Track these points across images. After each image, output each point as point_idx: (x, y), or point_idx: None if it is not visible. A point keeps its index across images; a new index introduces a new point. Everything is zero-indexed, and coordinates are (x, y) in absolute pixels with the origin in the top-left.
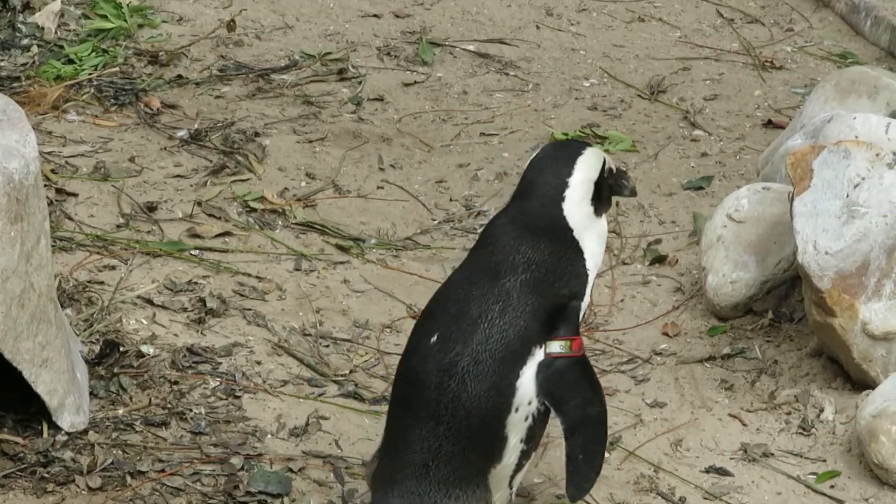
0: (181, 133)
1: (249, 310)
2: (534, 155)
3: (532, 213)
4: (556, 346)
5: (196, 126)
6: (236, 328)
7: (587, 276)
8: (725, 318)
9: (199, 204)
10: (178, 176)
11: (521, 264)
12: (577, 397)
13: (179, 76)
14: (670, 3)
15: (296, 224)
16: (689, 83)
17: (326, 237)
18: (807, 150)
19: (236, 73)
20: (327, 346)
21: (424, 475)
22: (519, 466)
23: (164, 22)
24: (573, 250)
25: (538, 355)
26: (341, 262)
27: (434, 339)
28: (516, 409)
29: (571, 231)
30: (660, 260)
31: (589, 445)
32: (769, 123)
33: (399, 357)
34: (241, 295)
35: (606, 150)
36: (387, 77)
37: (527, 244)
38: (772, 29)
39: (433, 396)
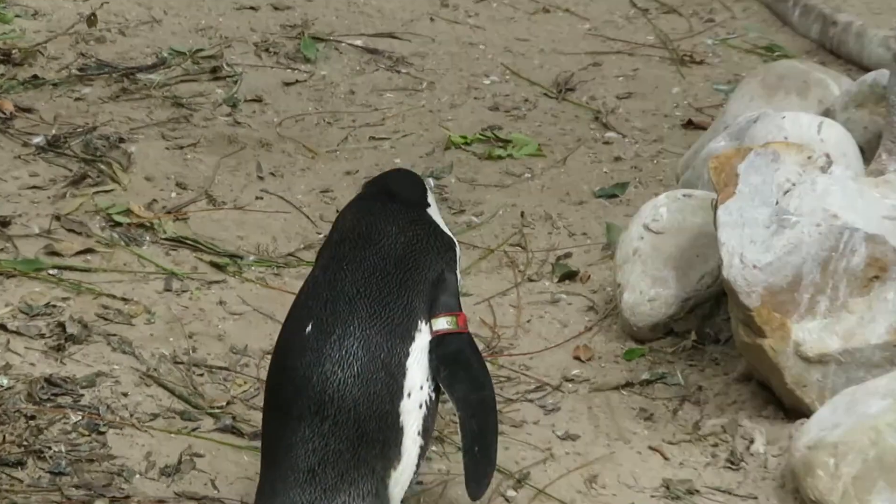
0: (37, 140)
1: (114, 335)
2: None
3: (391, 198)
4: (442, 323)
5: (54, 132)
6: (100, 356)
7: (455, 248)
8: (643, 339)
9: (58, 218)
10: (34, 187)
11: (389, 236)
12: (469, 379)
13: (35, 76)
14: None
15: (165, 239)
16: (601, 80)
17: (200, 254)
18: (731, 153)
19: (98, 73)
20: (201, 375)
21: (310, 481)
22: (416, 467)
23: (17, 16)
24: (435, 224)
25: (425, 332)
26: (216, 282)
27: (308, 328)
28: (409, 395)
29: (428, 207)
30: (570, 276)
31: (484, 434)
32: (689, 124)
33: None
34: (105, 319)
35: (510, 155)
36: (265, 76)
37: (389, 219)
38: (691, 20)
39: (316, 389)
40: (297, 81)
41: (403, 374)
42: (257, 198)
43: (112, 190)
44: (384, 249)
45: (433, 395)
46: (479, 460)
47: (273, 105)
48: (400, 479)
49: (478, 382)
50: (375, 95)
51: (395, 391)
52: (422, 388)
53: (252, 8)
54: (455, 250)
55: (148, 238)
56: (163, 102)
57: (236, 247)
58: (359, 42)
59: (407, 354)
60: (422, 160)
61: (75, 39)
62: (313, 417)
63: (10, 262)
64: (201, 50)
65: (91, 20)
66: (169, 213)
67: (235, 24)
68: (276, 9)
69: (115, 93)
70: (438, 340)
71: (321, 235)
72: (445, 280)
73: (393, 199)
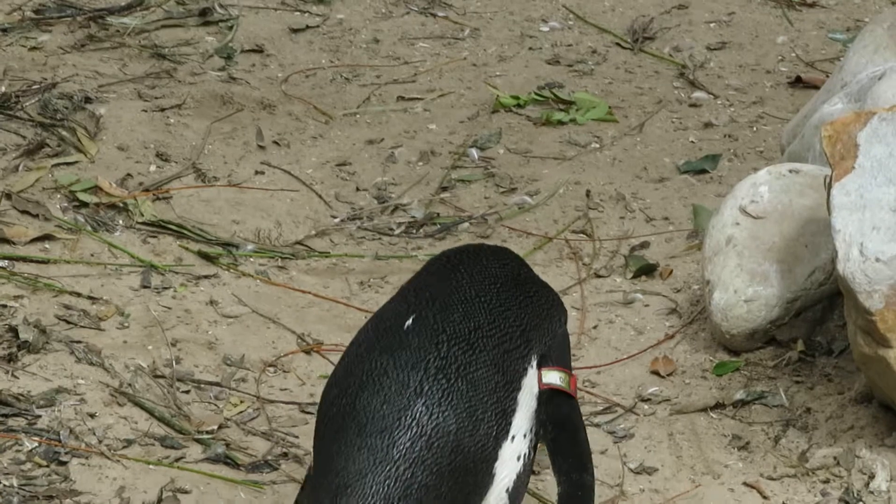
0: None
1: (79, 342)
2: None
3: None
4: (554, 377)
5: (3, 89)
6: (61, 368)
7: (566, 312)
8: (738, 350)
9: (9, 196)
10: None
11: (509, 261)
12: (575, 456)
13: None
14: None
15: (143, 224)
16: (687, 27)
17: (185, 242)
18: (850, 118)
19: (59, 16)
20: (187, 392)
21: None
22: None
23: None
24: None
25: (534, 374)
26: (206, 277)
27: (409, 323)
28: (513, 438)
29: None
30: (647, 271)
31: None
32: (798, 82)
33: (330, 371)
34: (68, 322)
35: (573, 120)
36: (268, 19)
37: (507, 253)
38: None
39: (412, 398)
40: (307, 27)
41: (513, 410)
42: (257, 172)
43: (76, 162)
44: (507, 268)
45: (531, 454)
46: None
47: (277, 57)
48: None
49: (582, 463)
50: (405, 45)
51: (501, 426)
52: (525, 436)
53: None
54: (565, 313)
55: (121, 222)
56: (139, 53)
57: (231, 233)
58: None
59: (519, 388)
60: (462, 126)
61: None
62: (402, 434)
63: None
64: None
65: None
66: (147, 190)
67: None
68: None
69: (80, 41)
70: (548, 395)
71: (336, 220)
72: (563, 333)
73: None
